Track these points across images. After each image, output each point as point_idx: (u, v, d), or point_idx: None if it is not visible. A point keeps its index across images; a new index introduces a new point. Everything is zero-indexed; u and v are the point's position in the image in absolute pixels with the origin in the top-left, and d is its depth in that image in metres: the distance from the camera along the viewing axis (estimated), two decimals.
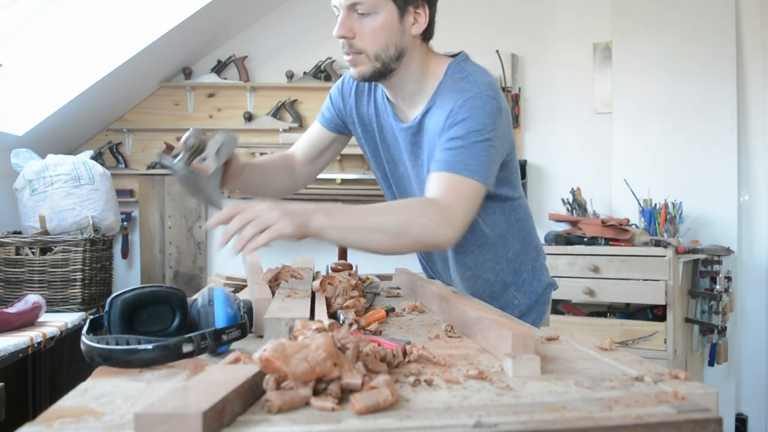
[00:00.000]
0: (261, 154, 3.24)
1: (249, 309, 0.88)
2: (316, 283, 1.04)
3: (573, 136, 3.30)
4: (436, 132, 1.19)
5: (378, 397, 0.53)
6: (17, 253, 2.21)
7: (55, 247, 2.23)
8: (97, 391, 0.62)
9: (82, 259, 2.25)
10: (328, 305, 1.00)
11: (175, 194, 3.28)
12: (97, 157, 3.20)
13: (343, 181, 3.20)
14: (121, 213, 2.90)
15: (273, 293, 1.00)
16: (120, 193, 3.00)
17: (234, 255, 0.99)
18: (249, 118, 3.31)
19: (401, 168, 1.37)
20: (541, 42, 3.35)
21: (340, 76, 3.28)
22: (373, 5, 1.15)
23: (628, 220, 2.85)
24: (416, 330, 0.95)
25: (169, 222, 3.27)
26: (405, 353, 0.71)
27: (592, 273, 2.66)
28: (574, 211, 3.01)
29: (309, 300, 0.95)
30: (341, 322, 0.92)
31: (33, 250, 2.22)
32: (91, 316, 0.79)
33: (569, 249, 2.72)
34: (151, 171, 3.26)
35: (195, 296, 0.84)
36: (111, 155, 3.26)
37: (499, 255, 1.38)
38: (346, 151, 3.36)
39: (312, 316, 0.88)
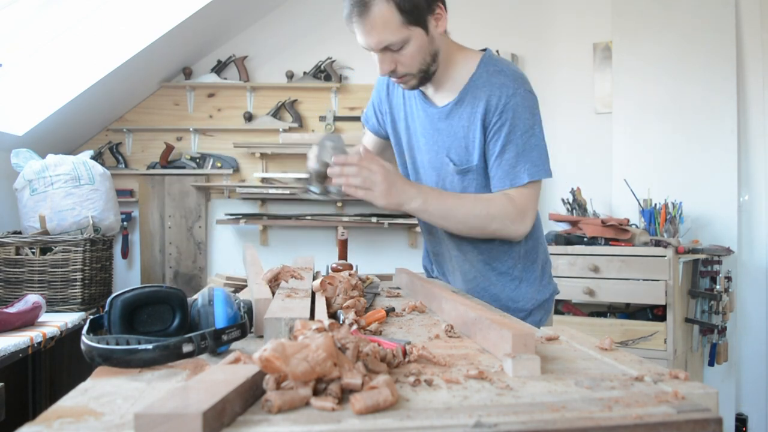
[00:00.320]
0: (261, 154, 3.25)
1: (249, 309, 0.88)
2: (316, 283, 1.04)
3: (573, 136, 3.30)
4: (471, 121, 1.31)
5: (378, 397, 0.53)
6: (17, 253, 2.21)
7: (55, 247, 2.23)
8: (97, 391, 0.62)
9: (82, 259, 2.25)
10: (328, 305, 1.00)
11: (175, 194, 3.28)
12: (97, 157, 3.20)
13: None
14: (121, 213, 2.90)
15: (273, 293, 1.00)
16: (120, 193, 3.00)
17: (331, 190, 1.23)
18: (249, 118, 3.31)
19: (419, 155, 1.43)
20: (541, 42, 3.35)
21: (340, 76, 3.31)
22: (402, 40, 1.22)
23: (628, 220, 2.85)
24: (416, 330, 0.95)
25: (169, 222, 3.27)
26: (405, 353, 0.71)
27: (592, 273, 2.66)
28: (574, 211, 3.01)
29: (309, 300, 0.94)
30: (341, 322, 0.92)
31: (33, 250, 2.22)
32: (91, 316, 0.79)
33: (569, 249, 2.72)
34: (151, 171, 3.26)
35: (195, 296, 0.84)
36: (111, 155, 3.26)
37: (514, 248, 1.42)
38: None
39: (312, 316, 0.88)
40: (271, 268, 1.13)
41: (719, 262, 2.82)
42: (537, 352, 0.69)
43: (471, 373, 0.65)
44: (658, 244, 2.66)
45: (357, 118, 3.32)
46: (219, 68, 3.31)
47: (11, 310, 1.83)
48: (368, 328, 0.93)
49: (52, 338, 1.86)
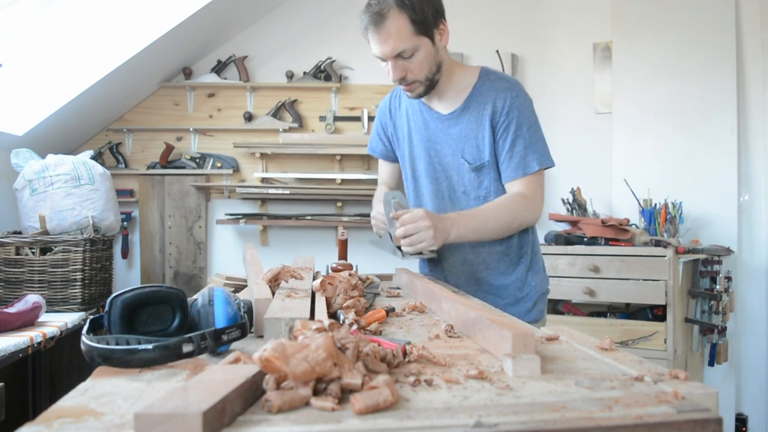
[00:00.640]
0: (261, 154, 3.25)
1: (249, 309, 0.88)
2: (316, 283, 1.04)
3: (573, 136, 3.30)
4: (479, 123, 1.47)
5: (378, 397, 0.53)
6: (17, 253, 2.21)
7: (55, 247, 2.23)
8: (97, 391, 0.62)
9: (82, 259, 2.25)
10: (328, 305, 1.01)
11: (175, 194, 3.28)
12: (97, 157, 3.20)
13: (343, 181, 3.20)
14: (121, 213, 2.90)
15: (273, 293, 1.00)
16: (120, 193, 3.00)
17: (402, 254, 1.41)
18: (249, 118, 3.31)
19: (435, 161, 1.57)
20: (541, 42, 3.35)
21: (340, 76, 3.31)
22: (413, 48, 1.38)
23: (628, 220, 2.85)
24: (416, 330, 0.95)
25: (169, 222, 3.27)
26: (405, 353, 0.71)
27: (592, 273, 2.66)
28: (574, 211, 3.01)
29: (309, 300, 0.94)
30: (341, 322, 0.92)
31: (33, 250, 2.22)
32: (91, 316, 0.79)
33: (569, 249, 2.72)
34: (151, 171, 3.26)
35: (195, 296, 0.84)
36: (111, 155, 3.26)
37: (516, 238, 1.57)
38: (345, 151, 3.37)
39: (312, 316, 0.88)
40: (271, 268, 1.13)
41: (719, 262, 2.82)
42: (537, 352, 0.69)
43: (471, 373, 0.65)
44: (658, 244, 2.66)
45: (357, 118, 3.32)
46: (219, 68, 3.31)
47: (11, 310, 1.83)
48: (368, 328, 0.93)
49: (52, 338, 1.86)
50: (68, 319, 2.05)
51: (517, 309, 1.53)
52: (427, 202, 1.60)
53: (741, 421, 2.95)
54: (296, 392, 0.54)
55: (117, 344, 0.71)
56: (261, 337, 0.86)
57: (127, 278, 3.27)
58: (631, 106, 3.18)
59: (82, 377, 0.67)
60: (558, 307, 2.89)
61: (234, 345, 0.79)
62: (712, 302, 2.76)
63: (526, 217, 1.46)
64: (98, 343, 0.69)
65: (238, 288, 1.41)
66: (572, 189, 3.05)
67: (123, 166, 3.26)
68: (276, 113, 3.30)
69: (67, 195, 2.37)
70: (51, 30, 2.60)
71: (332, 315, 0.99)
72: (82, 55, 2.70)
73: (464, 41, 3.28)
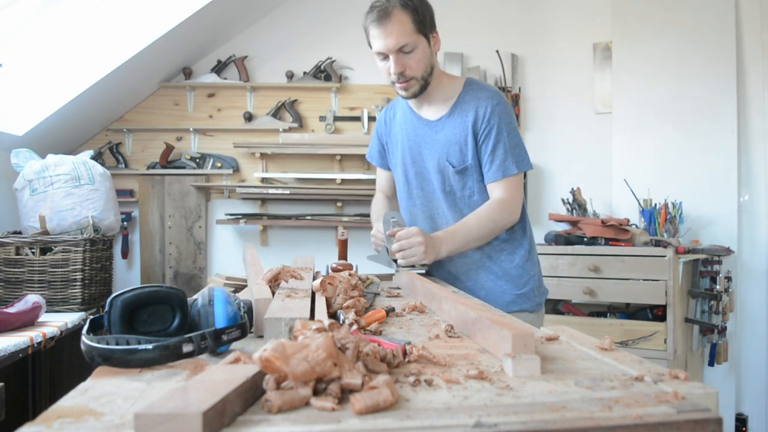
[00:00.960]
0: (261, 154, 3.25)
1: (249, 309, 0.88)
2: (316, 283, 1.04)
3: (573, 136, 3.30)
4: (462, 129, 1.58)
5: (378, 397, 0.53)
6: (17, 253, 2.21)
7: (55, 247, 2.23)
8: (97, 391, 0.62)
9: (82, 259, 2.25)
10: (328, 305, 1.01)
11: (175, 194, 3.28)
12: (97, 157, 3.20)
13: (343, 181, 3.20)
14: (121, 213, 2.90)
15: (273, 293, 1.00)
16: (120, 193, 3.00)
17: (397, 267, 1.53)
18: (249, 118, 3.31)
19: (425, 164, 1.67)
20: (541, 42, 3.35)
21: (340, 76, 3.31)
22: (413, 43, 1.50)
23: (628, 220, 2.85)
24: (416, 330, 0.95)
25: (169, 222, 3.27)
26: (405, 353, 0.71)
27: (592, 273, 2.66)
28: (574, 211, 3.01)
29: (309, 300, 0.94)
30: (341, 322, 0.92)
31: (33, 250, 2.22)
32: (91, 316, 0.79)
33: (569, 249, 2.72)
34: (151, 171, 3.26)
35: (195, 296, 0.84)
36: (111, 155, 3.26)
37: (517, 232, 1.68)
38: (346, 151, 3.37)
39: (312, 316, 0.88)
40: (271, 268, 1.13)
41: (719, 262, 2.82)
42: (537, 352, 0.69)
43: (471, 373, 0.65)
44: (658, 244, 2.66)
45: (357, 118, 3.32)
46: (219, 68, 3.31)
47: (11, 310, 1.83)
48: (368, 328, 0.93)
49: (52, 338, 1.86)
50: (68, 319, 2.05)
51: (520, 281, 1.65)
52: (417, 203, 1.70)
53: (741, 421, 2.95)
54: (296, 392, 0.54)
55: (117, 344, 0.71)
56: (261, 337, 0.86)
57: (127, 278, 3.27)
58: (631, 106, 3.18)
59: (82, 377, 0.67)
60: (558, 307, 2.89)
61: (234, 345, 0.79)
62: (712, 302, 2.76)
63: (506, 220, 1.58)
64: (98, 343, 0.69)
65: (238, 288, 1.41)
66: (572, 189, 3.05)
67: (123, 166, 3.26)
68: (276, 113, 3.30)
69: (67, 195, 2.37)
70: (51, 30, 2.60)
71: (332, 315, 0.99)
72: (82, 55, 2.70)
73: (464, 41, 3.28)
